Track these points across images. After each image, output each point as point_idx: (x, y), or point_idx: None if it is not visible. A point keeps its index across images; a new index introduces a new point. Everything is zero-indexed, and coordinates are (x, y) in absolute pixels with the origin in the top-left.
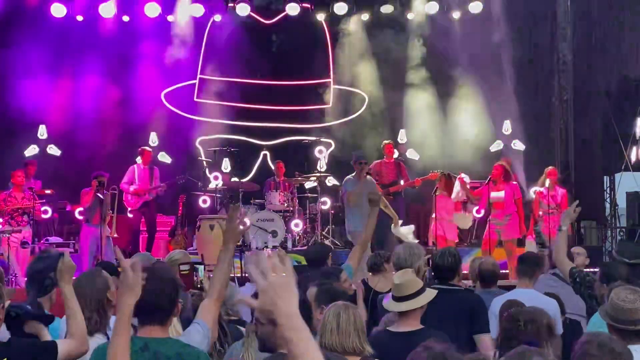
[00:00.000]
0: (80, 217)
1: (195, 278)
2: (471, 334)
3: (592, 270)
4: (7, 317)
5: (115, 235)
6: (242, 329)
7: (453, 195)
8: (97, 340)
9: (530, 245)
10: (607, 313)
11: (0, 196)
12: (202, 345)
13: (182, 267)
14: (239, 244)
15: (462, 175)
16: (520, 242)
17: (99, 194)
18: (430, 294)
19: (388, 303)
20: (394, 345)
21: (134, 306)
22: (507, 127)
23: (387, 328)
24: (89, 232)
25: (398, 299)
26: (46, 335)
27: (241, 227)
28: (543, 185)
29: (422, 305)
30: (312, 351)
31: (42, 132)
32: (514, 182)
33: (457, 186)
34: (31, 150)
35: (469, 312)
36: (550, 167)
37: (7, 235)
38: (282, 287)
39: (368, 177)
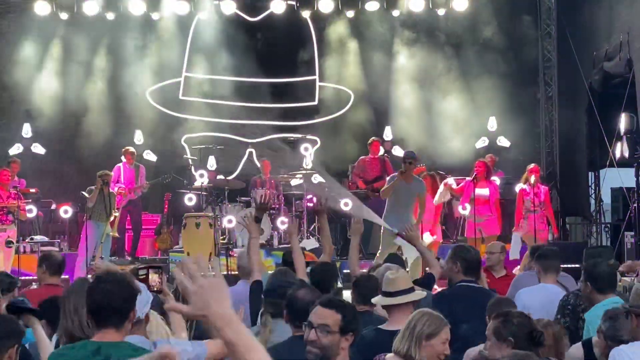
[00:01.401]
0: (66, 216)
1: (157, 280)
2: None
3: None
4: (9, 308)
5: (117, 235)
6: None
7: (436, 199)
8: None
9: (516, 242)
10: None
11: None
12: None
13: (140, 272)
14: (224, 241)
15: (449, 180)
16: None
17: (103, 193)
18: (421, 292)
19: (378, 299)
20: (386, 343)
21: (90, 311)
22: (492, 123)
23: (379, 327)
24: (91, 230)
25: (390, 294)
26: (39, 329)
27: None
28: (526, 182)
29: (414, 301)
30: (256, 348)
31: (27, 130)
32: (494, 180)
33: (441, 188)
34: (15, 149)
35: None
36: (532, 165)
37: None
38: (213, 288)
39: (416, 178)
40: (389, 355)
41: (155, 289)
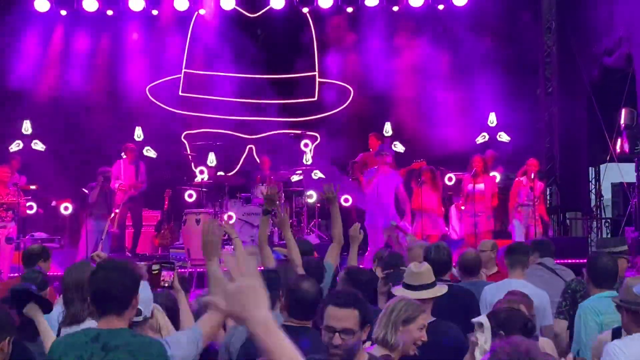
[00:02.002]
0: (66, 213)
1: (167, 277)
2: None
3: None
4: (14, 294)
5: (117, 231)
6: None
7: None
8: (91, 324)
9: (519, 229)
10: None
11: None
12: (187, 348)
13: (153, 267)
14: (224, 237)
15: (448, 175)
16: (497, 235)
17: (104, 189)
18: (444, 288)
19: (400, 291)
20: None
21: (92, 297)
22: (492, 119)
23: None
24: (92, 226)
25: (414, 287)
26: (42, 321)
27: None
28: (524, 176)
29: (438, 295)
30: (293, 353)
31: (27, 127)
32: (493, 175)
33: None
34: (15, 146)
35: (464, 309)
36: (531, 159)
37: None
38: (250, 291)
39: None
40: (374, 346)
41: (167, 284)
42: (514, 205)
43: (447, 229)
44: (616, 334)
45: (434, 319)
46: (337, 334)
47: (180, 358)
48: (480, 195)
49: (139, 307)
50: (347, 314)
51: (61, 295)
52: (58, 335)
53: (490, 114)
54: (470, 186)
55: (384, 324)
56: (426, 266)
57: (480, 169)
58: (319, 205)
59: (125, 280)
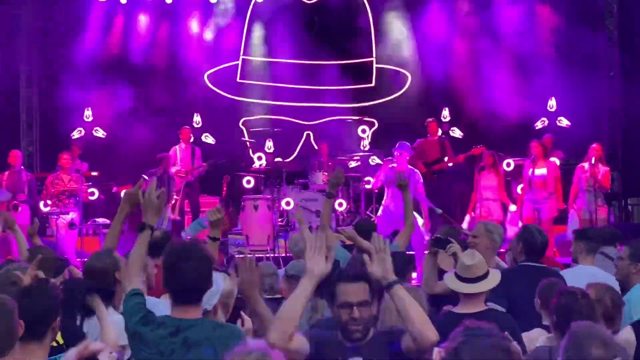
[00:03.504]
0: None
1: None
2: None
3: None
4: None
5: (178, 217)
6: None
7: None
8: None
9: (573, 221)
10: None
11: (48, 179)
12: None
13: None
14: (282, 223)
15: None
16: (557, 221)
17: (163, 176)
18: (497, 274)
19: (455, 284)
20: (456, 326)
21: (170, 287)
22: (552, 103)
23: (451, 310)
24: None
25: (469, 280)
26: (103, 310)
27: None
28: (587, 161)
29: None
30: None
31: (88, 114)
32: (553, 160)
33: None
34: (77, 133)
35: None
36: (594, 144)
37: (55, 217)
38: None
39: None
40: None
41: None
42: (575, 192)
43: (506, 215)
44: (638, 329)
45: (486, 307)
46: (354, 307)
47: None
48: (542, 181)
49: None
50: (359, 287)
51: None
52: None
53: (550, 98)
54: (530, 172)
55: None
56: (478, 258)
57: (539, 154)
58: (376, 190)
59: (208, 271)
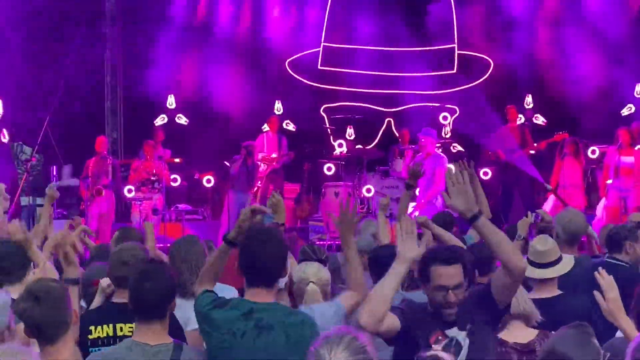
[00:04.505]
0: (209, 185)
1: None
2: None
3: None
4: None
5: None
6: None
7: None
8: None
9: None
10: None
11: (132, 165)
12: (331, 322)
13: None
14: (362, 210)
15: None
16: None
17: (247, 163)
18: (569, 260)
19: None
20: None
21: (244, 269)
22: (638, 89)
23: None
24: (233, 199)
25: (541, 265)
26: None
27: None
28: None
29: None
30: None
31: (171, 102)
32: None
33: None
34: (160, 120)
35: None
36: None
37: (139, 202)
38: None
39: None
40: None
41: None
42: None
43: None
44: None
45: (560, 292)
46: (449, 291)
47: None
48: (629, 169)
49: None
50: (455, 270)
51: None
52: None
53: (638, 84)
54: (616, 159)
55: None
56: (551, 242)
57: (627, 141)
58: None
59: (282, 253)
